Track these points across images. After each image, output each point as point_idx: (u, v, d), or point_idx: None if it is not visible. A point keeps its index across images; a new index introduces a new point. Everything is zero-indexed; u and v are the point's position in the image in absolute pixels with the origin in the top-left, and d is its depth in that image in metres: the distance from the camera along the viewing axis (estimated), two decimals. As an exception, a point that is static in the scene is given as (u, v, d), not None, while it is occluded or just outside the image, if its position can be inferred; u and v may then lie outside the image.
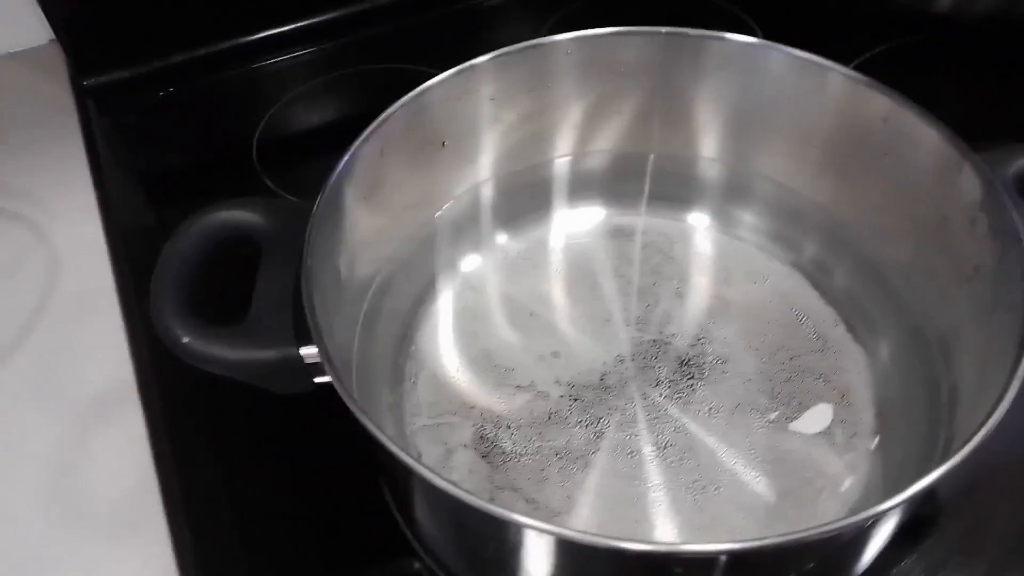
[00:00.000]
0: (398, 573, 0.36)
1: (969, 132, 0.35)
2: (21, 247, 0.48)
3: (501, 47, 0.40)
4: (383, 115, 0.37)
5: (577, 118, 0.44)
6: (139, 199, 0.53)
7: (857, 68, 0.38)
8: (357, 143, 0.36)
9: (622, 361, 0.39)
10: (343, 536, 0.36)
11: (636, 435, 0.37)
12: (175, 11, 0.57)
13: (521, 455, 0.36)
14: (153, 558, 0.35)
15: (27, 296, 0.45)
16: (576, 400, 0.38)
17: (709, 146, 0.44)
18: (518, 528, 0.28)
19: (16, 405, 0.41)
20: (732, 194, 0.44)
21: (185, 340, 0.30)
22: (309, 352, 0.31)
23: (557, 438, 0.37)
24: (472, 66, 0.39)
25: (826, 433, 0.36)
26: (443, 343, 0.40)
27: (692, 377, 0.39)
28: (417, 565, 0.35)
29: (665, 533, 0.34)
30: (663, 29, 0.40)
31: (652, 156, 0.45)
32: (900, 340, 0.38)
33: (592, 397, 0.38)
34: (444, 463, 0.36)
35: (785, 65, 0.40)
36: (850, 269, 0.41)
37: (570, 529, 0.26)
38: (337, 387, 0.28)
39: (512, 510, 0.26)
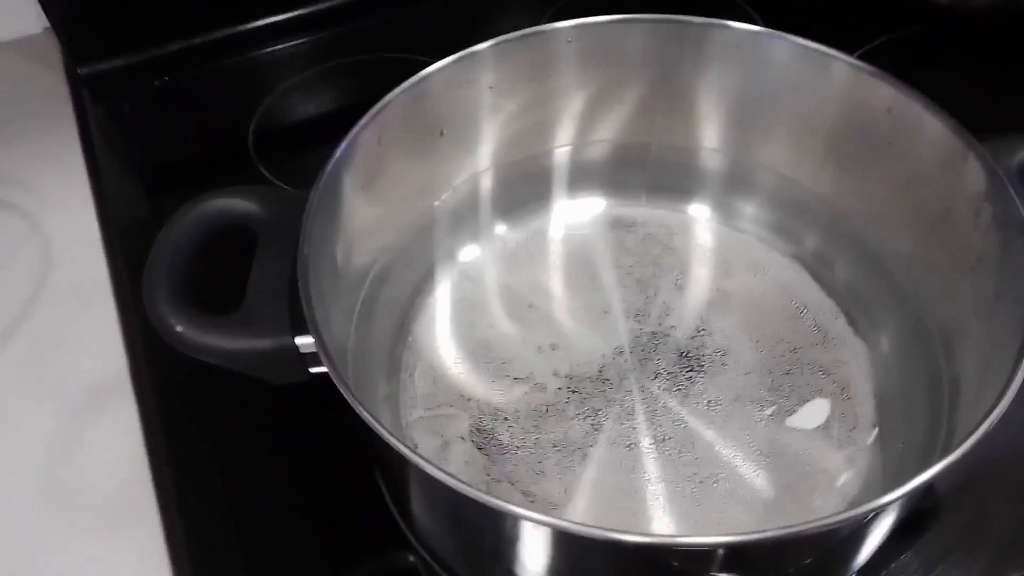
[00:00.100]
0: (393, 566, 0.35)
1: (973, 123, 0.35)
2: (14, 237, 0.47)
3: (500, 36, 0.40)
4: (382, 102, 0.37)
5: (578, 107, 0.43)
6: (134, 188, 0.53)
7: (859, 58, 0.38)
8: (355, 130, 0.36)
9: (621, 353, 0.39)
10: (338, 528, 0.36)
11: (634, 428, 0.36)
12: (170, -1, 0.56)
13: (518, 447, 0.36)
14: (146, 549, 0.34)
15: (20, 286, 0.45)
16: (574, 392, 0.38)
17: (710, 136, 0.44)
18: (515, 519, 0.27)
19: (9, 396, 0.40)
20: (733, 185, 0.44)
21: (179, 329, 0.30)
22: (305, 342, 0.31)
23: (555, 430, 0.36)
24: (472, 53, 0.39)
25: (826, 426, 0.36)
26: (441, 334, 0.40)
27: (691, 369, 0.38)
28: (412, 558, 0.35)
29: (663, 526, 0.34)
30: (665, 17, 0.40)
31: (653, 146, 0.44)
32: (901, 333, 0.38)
33: (590, 389, 0.38)
34: (440, 455, 0.36)
35: (788, 54, 0.39)
36: (851, 261, 0.41)
37: (567, 520, 0.26)
38: (333, 377, 0.28)
39: (509, 503, 0.26)
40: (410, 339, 0.40)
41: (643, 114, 0.43)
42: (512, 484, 0.35)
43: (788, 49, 0.39)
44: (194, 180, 0.52)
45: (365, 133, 0.36)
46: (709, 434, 0.36)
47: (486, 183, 0.44)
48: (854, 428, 0.36)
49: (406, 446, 0.26)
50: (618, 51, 0.41)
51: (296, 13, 0.59)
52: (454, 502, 0.29)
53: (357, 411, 0.27)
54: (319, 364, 0.30)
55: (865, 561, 0.33)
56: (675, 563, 0.27)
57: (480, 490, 0.25)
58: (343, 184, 0.36)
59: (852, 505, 0.34)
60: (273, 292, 0.32)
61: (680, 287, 0.41)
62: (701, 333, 0.39)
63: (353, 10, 0.60)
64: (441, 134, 0.41)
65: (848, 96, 0.39)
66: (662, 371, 0.38)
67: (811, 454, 0.35)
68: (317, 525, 0.36)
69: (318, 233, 0.33)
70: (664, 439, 0.36)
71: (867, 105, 0.38)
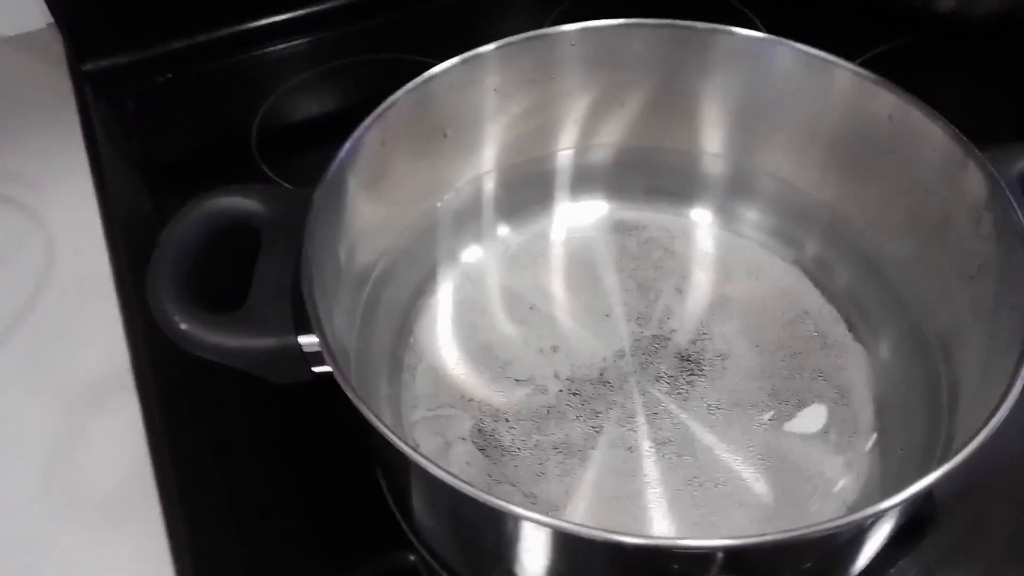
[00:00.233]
0: (394, 565, 0.35)
1: (973, 130, 0.35)
2: (17, 233, 0.47)
3: (503, 38, 0.40)
4: (386, 103, 0.37)
5: (581, 111, 0.43)
6: (136, 185, 0.53)
7: (861, 66, 0.38)
8: (359, 131, 0.36)
9: (622, 356, 0.39)
10: (339, 527, 0.36)
11: (635, 430, 0.36)
12: (175, -3, 0.56)
13: (519, 449, 0.36)
14: (147, 546, 0.34)
15: (23, 282, 0.45)
16: (575, 394, 0.38)
17: (713, 141, 0.44)
18: (516, 520, 0.27)
19: (11, 392, 0.40)
20: (735, 190, 0.44)
21: (183, 327, 0.30)
22: (308, 341, 0.31)
23: (556, 432, 0.36)
24: (476, 55, 0.39)
25: (825, 431, 0.36)
26: (442, 335, 0.40)
27: (692, 373, 0.38)
28: (412, 558, 0.35)
29: (663, 528, 0.34)
30: (670, 22, 0.40)
31: (655, 150, 0.45)
32: (901, 339, 0.38)
33: (591, 392, 0.38)
34: (442, 456, 0.36)
35: (791, 61, 0.39)
36: (852, 267, 0.41)
37: (569, 522, 0.26)
38: (337, 377, 0.28)
39: (510, 503, 0.26)
40: (412, 340, 0.40)
41: (646, 118, 0.44)
42: (513, 485, 0.35)
43: (791, 56, 0.39)
44: (196, 177, 0.52)
45: (369, 134, 0.36)
46: (709, 438, 0.36)
47: (489, 185, 0.44)
48: (853, 433, 0.36)
49: (409, 446, 0.26)
50: (622, 55, 0.41)
51: (299, 12, 0.59)
52: (456, 502, 0.29)
53: (360, 411, 0.27)
54: (322, 363, 0.30)
55: (864, 567, 0.33)
56: (675, 565, 0.27)
57: (482, 491, 0.26)
58: (347, 184, 0.36)
59: (851, 510, 0.34)
60: (276, 291, 0.32)
61: (681, 291, 0.42)
62: (702, 337, 0.40)
63: (357, 10, 0.60)
64: (444, 135, 0.41)
65: (849, 103, 0.39)
66: (663, 374, 0.38)
67: (811, 459, 0.36)
68: (318, 523, 0.36)
69: (321, 233, 0.33)
70: (664, 442, 0.36)
71: (868, 112, 0.38)
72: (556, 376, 0.38)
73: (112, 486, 0.36)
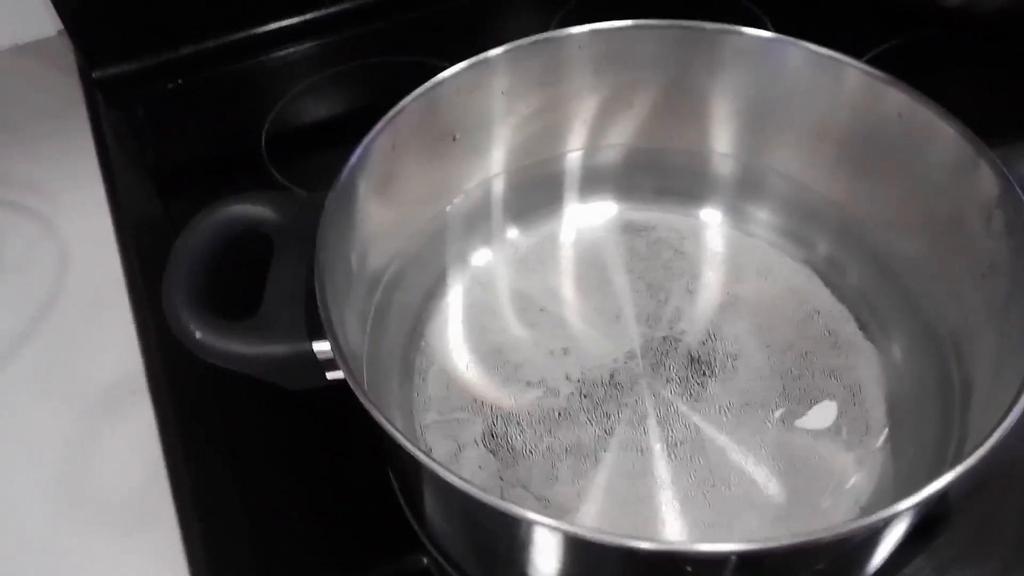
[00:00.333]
0: (407, 569, 0.36)
1: (984, 127, 0.35)
2: (30, 239, 0.48)
3: (510, 39, 0.40)
4: (395, 108, 0.37)
5: (590, 112, 0.43)
6: (148, 191, 0.53)
7: (868, 63, 0.38)
8: (370, 136, 0.36)
9: (632, 357, 0.39)
10: (352, 531, 0.36)
11: (646, 432, 0.36)
12: (184, 3, 0.57)
13: (531, 452, 0.36)
14: (162, 550, 0.35)
15: (36, 289, 0.45)
16: (586, 397, 0.38)
17: (722, 141, 0.44)
18: (529, 525, 0.27)
19: (26, 398, 0.41)
20: (745, 190, 0.44)
21: (198, 335, 0.30)
22: (321, 348, 0.31)
23: (567, 435, 0.36)
24: (485, 59, 0.39)
25: (837, 431, 0.36)
26: (453, 338, 0.40)
27: (703, 374, 0.38)
28: (426, 561, 0.35)
29: (675, 530, 0.34)
30: (678, 23, 0.40)
31: (665, 150, 0.45)
32: (912, 338, 0.38)
33: (602, 394, 0.38)
34: (454, 459, 0.36)
35: (801, 60, 0.39)
36: (863, 266, 0.41)
37: (583, 528, 0.26)
38: (351, 384, 0.28)
39: (523, 507, 0.26)
40: (423, 343, 0.40)
41: (655, 119, 0.44)
42: (525, 489, 0.35)
43: (800, 55, 0.39)
44: (207, 182, 0.53)
45: (379, 139, 0.36)
46: (720, 438, 0.36)
47: (498, 187, 0.44)
48: (865, 433, 0.36)
49: (423, 452, 0.27)
50: (630, 56, 0.41)
51: (307, 17, 0.60)
52: (469, 507, 0.29)
53: (375, 418, 0.27)
54: (335, 369, 0.30)
55: (878, 566, 0.33)
56: (688, 568, 0.28)
57: (494, 495, 0.26)
58: (358, 190, 0.36)
59: (864, 510, 0.34)
60: (289, 298, 0.32)
61: (691, 291, 0.42)
62: (712, 338, 0.40)
63: (363, 14, 0.61)
64: (453, 139, 0.41)
65: (859, 101, 0.39)
66: (673, 376, 0.38)
67: (823, 459, 0.35)
68: (331, 527, 0.36)
69: (333, 239, 0.33)
70: (676, 443, 0.36)
71: (878, 111, 0.38)
72: (567, 378, 0.38)
73: (127, 491, 0.37)
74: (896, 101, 0.37)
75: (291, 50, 0.59)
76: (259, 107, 0.55)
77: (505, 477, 0.35)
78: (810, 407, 0.37)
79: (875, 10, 0.57)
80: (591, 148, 0.45)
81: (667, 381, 0.38)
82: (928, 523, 0.35)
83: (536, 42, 0.40)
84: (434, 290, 0.42)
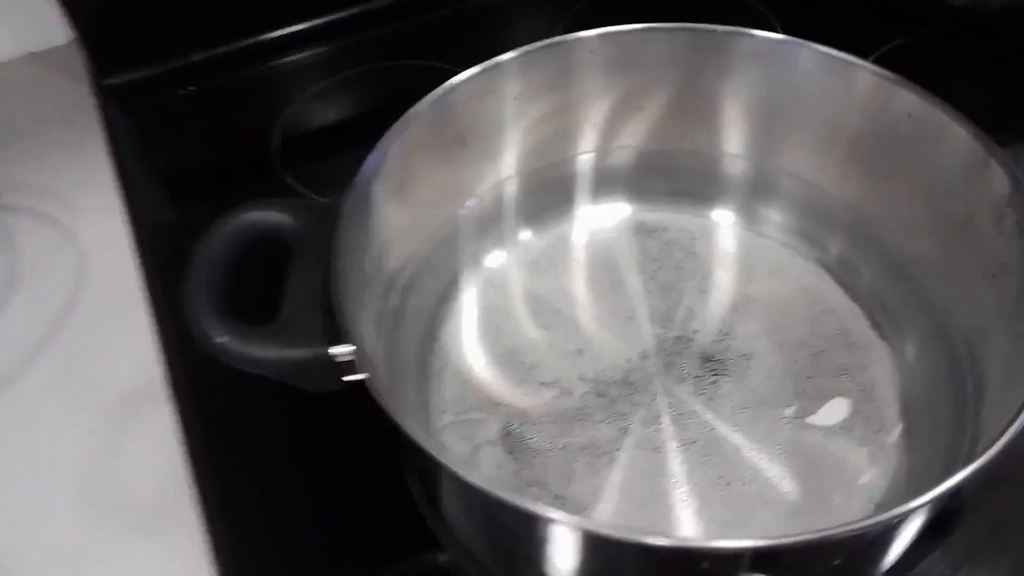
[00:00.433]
0: (426, 566, 0.36)
1: (993, 126, 0.35)
2: (48, 246, 0.48)
3: (518, 42, 0.40)
4: (409, 112, 0.38)
5: (601, 114, 0.44)
6: (161, 197, 0.54)
7: (875, 62, 0.38)
8: (385, 141, 0.36)
9: (646, 357, 0.39)
10: (371, 531, 0.37)
11: (661, 431, 0.37)
12: (195, 9, 0.57)
13: (547, 451, 0.36)
14: (186, 552, 0.35)
15: (55, 295, 0.46)
16: (601, 396, 0.38)
17: (733, 142, 0.44)
18: (547, 523, 0.28)
19: (47, 403, 0.41)
20: (757, 191, 0.44)
21: (219, 341, 0.31)
22: (339, 351, 0.31)
23: (582, 434, 0.37)
24: (496, 64, 0.39)
25: (851, 429, 0.37)
26: (467, 340, 0.41)
27: (716, 373, 0.39)
28: (444, 559, 0.36)
29: (690, 528, 0.34)
30: (689, 26, 0.40)
31: (676, 152, 0.45)
32: (925, 337, 0.38)
33: (616, 393, 0.38)
34: (471, 460, 0.36)
35: (811, 61, 0.40)
36: (875, 266, 0.41)
37: (601, 524, 0.26)
38: (371, 388, 0.29)
39: (540, 507, 0.26)
40: (437, 345, 0.40)
41: (666, 120, 0.44)
42: (542, 487, 0.35)
43: (810, 56, 0.39)
44: (220, 187, 0.53)
45: (393, 144, 0.37)
46: (734, 437, 0.37)
47: (510, 190, 0.44)
48: (879, 431, 0.36)
49: (441, 454, 0.27)
50: (641, 59, 0.42)
51: (317, 22, 0.60)
52: (487, 506, 0.29)
53: (393, 419, 0.28)
54: (352, 372, 0.31)
55: (892, 563, 0.34)
56: (704, 565, 0.28)
57: (512, 494, 0.26)
58: (372, 195, 0.36)
59: (878, 507, 0.34)
60: (308, 303, 0.32)
61: (704, 292, 0.42)
62: (725, 337, 0.40)
63: (373, 19, 0.61)
64: (466, 143, 0.42)
65: (869, 102, 0.39)
66: (687, 375, 0.39)
67: (836, 456, 0.36)
68: (351, 528, 0.37)
69: (349, 243, 0.33)
70: (690, 442, 0.36)
71: (888, 111, 0.38)
72: (581, 379, 0.39)
73: (149, 495, 0.37)
74: (906, 101, 0.38)
75: (302, 55, 0.60)
76: (271, 112, 0.55)
77: (522, 476, 0.36)
78: (823, 405, 0.37)
79: (882, 8, 0.57)
80: (602, 150, 0.45)
81: (681, 380, 0.38)
82: (942, 520, 0.35)
83: (547, 46, 0.40)
84: (448, 292, 0.42)
